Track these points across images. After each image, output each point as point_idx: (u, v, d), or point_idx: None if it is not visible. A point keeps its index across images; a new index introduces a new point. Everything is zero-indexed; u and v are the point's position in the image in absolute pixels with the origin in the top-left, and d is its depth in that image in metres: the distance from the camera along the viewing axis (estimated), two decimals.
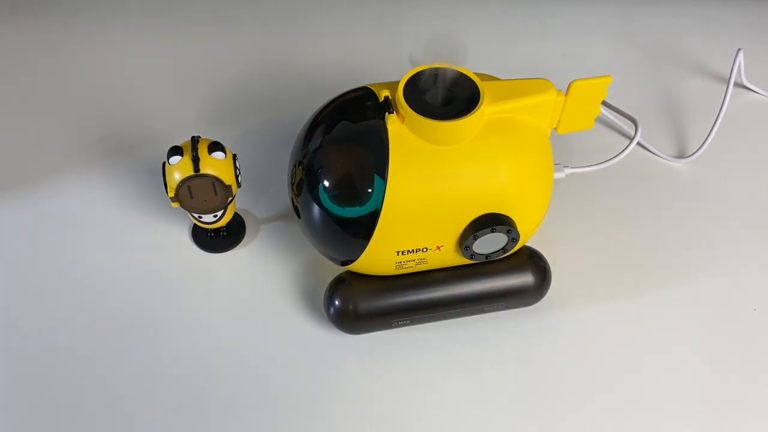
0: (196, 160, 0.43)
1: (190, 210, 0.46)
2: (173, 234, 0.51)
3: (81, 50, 0.64)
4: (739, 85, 0.63)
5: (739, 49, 0.60)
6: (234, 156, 0.46)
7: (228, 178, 0.45)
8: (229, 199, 0.46)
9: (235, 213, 0.51)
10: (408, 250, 0.42)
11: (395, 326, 0.46)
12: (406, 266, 0.44)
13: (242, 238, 0.51)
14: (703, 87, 0.64)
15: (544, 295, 0.47)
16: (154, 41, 0.65)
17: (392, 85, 0.42)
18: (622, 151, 0.54)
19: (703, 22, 0.70)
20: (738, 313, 0.49)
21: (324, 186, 0.41)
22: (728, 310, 0.49)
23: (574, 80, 0.42)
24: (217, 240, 0.51)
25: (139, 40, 0.65)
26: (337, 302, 0.45)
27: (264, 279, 0.49)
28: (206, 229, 0.50)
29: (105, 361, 0.45)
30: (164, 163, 0.44)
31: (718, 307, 0.49)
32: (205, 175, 0.44)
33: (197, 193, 0.45)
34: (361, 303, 0.44)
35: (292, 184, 0.44)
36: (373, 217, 0.41)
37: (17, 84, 0.61)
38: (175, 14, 0.68)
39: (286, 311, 0.48)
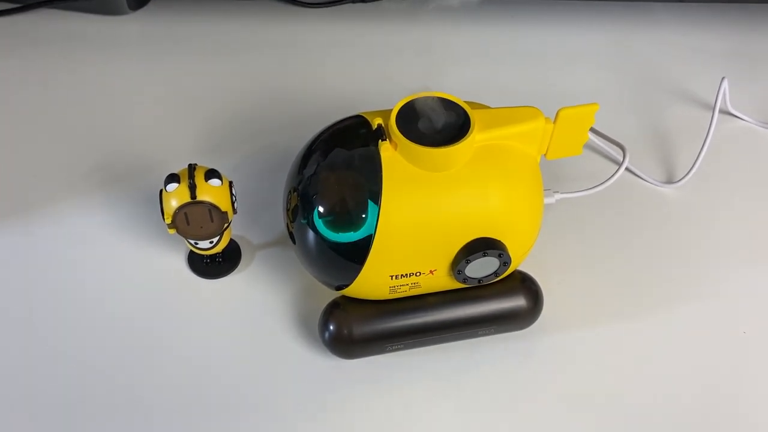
0: (192, 187, 0.44)
1: (187, 236, 0.47)
2: (169, 261, 0.52)
3: (78, 80, 0.65)
4: (724, 111, 0.64)
5: (723, 77, 0.61)
6: (230, 183, 0.46)
7: (224, 204, 0.45)
8: (225, 225, 0.46)
9: (231, 239, 0.51)
10: (401, 275, 0.43)
11: (389, 350, 0.46)
12: (399, 290, 0.44)
13: (238, 264, 0.51)
14: (690, 114, 0.65)
15: (537, 318, 0.48)
16: (151, 72, 0.66)
17: (385, 114, 0.43)
18: (611, 176, 0.55)
19: (689, 51, 0.72)
20: (728, 335, 0.50)
21: (319, 212, 0.42)
22: (719, 332, 0.50)
23: (562, 108, 0.44)
24: (212, 266, 0.51)
25: (137, 71, 0.67)
26: (331, 327, 0.45)
27: (259, 305, 0.50)
28: (202, 255, 0.50)
29: (99, 386, 0.45)
30: (161, 191, 0.45)
31: (709, 330, 0.50)
32: (201, 202, 0.44)
33: (194, 220, 0.45)
34: (356, 328, 0.45)
35: (288, 210, 0.44)
36: (367, 242, 0.41)
37: (15, 113, 0.62)
38: (171, 44, 0.69)
39: (281, 336, 0.48)
